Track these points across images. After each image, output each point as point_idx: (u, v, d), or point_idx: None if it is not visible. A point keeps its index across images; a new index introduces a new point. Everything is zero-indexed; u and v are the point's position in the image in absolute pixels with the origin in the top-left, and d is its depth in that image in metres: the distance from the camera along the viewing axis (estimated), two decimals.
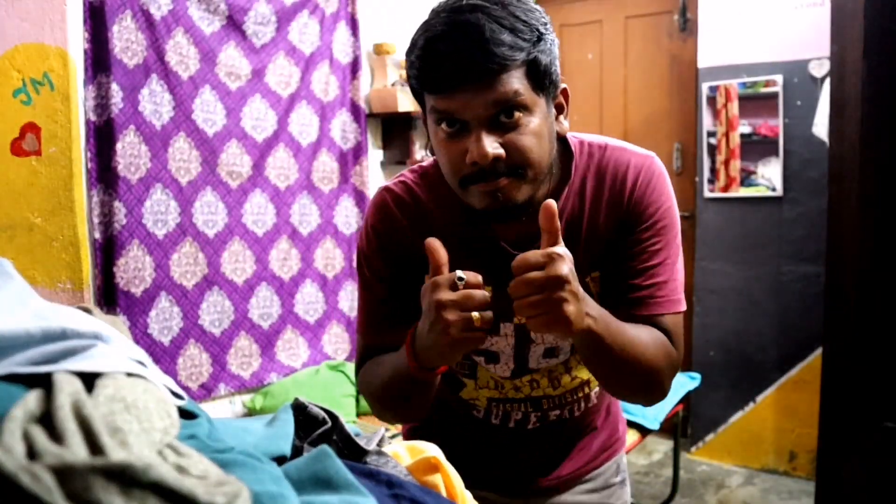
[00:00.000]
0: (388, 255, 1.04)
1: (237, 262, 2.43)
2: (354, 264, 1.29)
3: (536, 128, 0.90)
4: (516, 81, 0.87)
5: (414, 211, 1.03)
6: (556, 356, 1.06)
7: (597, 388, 1.14)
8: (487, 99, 0.86)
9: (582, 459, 1.18)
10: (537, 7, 0.92)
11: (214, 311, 2.37)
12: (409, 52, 0.93)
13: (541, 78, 0.91)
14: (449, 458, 0.75)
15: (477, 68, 0.85)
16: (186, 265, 2.29)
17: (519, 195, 0.90)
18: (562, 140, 1.01)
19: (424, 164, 1.08)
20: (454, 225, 1.01)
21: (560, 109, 0.98)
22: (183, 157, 2.26)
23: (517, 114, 0.88)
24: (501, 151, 0.87)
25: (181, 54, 2.23)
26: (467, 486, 0.76)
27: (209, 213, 2.35)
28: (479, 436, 1.14)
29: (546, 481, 1.16)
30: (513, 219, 0.95)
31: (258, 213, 2.50)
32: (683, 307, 1.02)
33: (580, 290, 0.84)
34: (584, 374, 1.10)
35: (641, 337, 0.96)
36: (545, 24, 0.92)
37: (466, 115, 0.87)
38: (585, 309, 0.85)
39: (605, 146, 1.04)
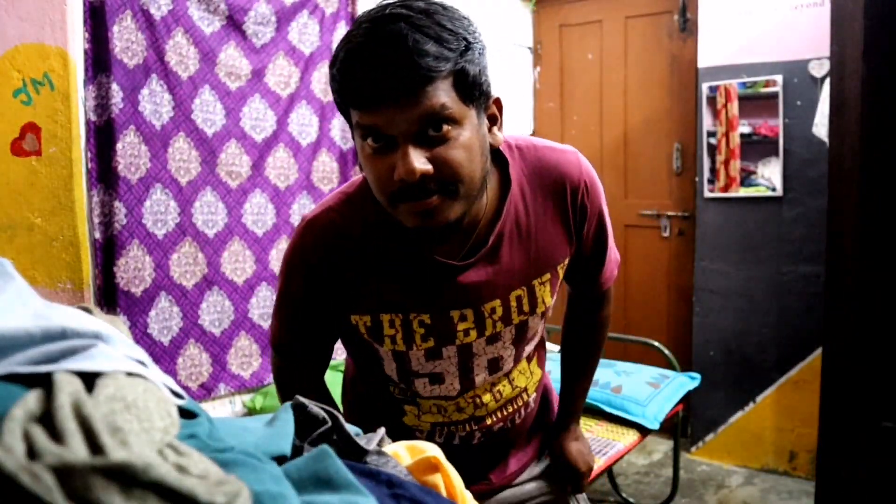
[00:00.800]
0: (311, 285, 1.02)
1: (237, 262, 2.44)
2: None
3: (466, 141, 0.86)
4: (443, 94, 0.83)
5: (338, 242, 0.99)
6: (500, 369, 1.08)
7: (535, 394, 1.18)
8: (413, 113, 0.82)
9: (528, 456, 1.24)
10: (465, 15, 0.90)
11: (214, 311, 2.37)
12: (331, 65, 0.88)
13: (469, 89, 0.88)
14: None
15: (401, 81, 0.80)
16: (186, 265, 2.29)
17: (451, 213, 0.87)
18: (495, 150, 0.98)
19: (345, 187, 1.04)
20: (387, 246, 0.98)
21: (493, 120, 0.96)
22: (182, 158, 2.26)
23: (445, 127, 0.84)
24: (430, 167, 0.83)
25: (181, 54, 2.23)
26: None
27: (209, 213, 2.35)
28: None
29: (497, 479, 1.20)
30: (446, 236, 0.94)
31: (258, 213, 2.50)
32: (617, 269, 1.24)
33: (580, 447, 1.23)
34: (523, 381, 1.13)
35: (593, 363, 1.27)
36: (473, 32, 0.89)
37: (392, 130, 0.83)
38: (584, 449, 1.24)
39: (533, 147, 1.06)
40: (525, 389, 1.14)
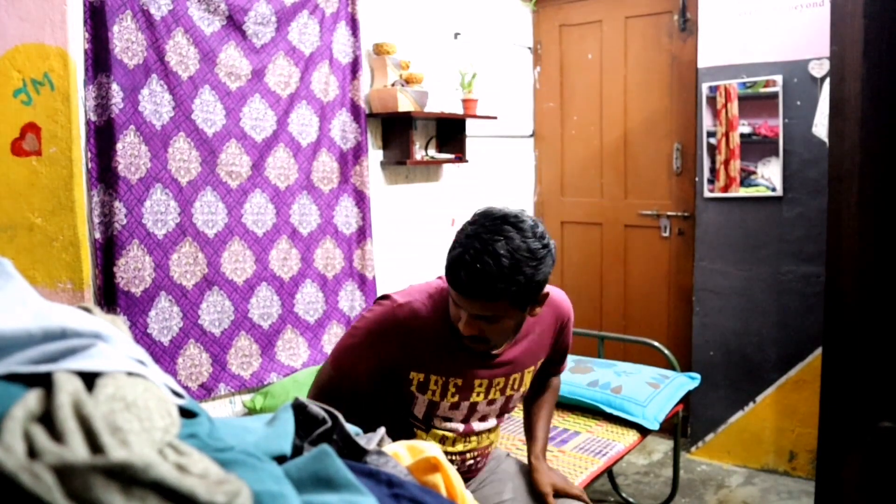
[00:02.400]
0: (375, 355, 1.48)
1: (237, 262, 2.43)
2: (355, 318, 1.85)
3: (505, 325, 1.38)
4: (500, 308, 1.33)
5: (418, 324, 1.46)
6: (487, 422, 1.61)
7: (499, 439, 1.77)
8: (475, 307, 1.32)
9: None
10: (540, 240, 1.32)
11: (214, 311, 2.37)
12: (451, 249, 1.36)
13: (521, 303, 1.35)
14: None
15: (473, 292, 1.30)
16: (186, 265, 2.29)
17: (485, 349, 1.45)
18: None
19: (430, 289, 1.51)
20: (446, 332, 1.46)
21: (537, 305, 1.42)
22: (183, 158, 2.26)
23: (495, 320, 1.35)
24: (476, 332, 1.37)
25: (181, 54, 2.23)
26: None
27: (209, 213, 2.35)
28: None
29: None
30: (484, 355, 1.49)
31: (258, 213, 2.50)
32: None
33: (555, 478, 1.66)
34: (494, 438, 1.68)
35: (550, 411, 1.78)
36: (539, 259, 1.31)
37: (468, 309, 1.34)
38: (551, 473, 1.67)
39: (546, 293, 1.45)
40: (491, 444, 1.68)
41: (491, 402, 1.57)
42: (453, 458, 1.58)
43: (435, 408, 1.53)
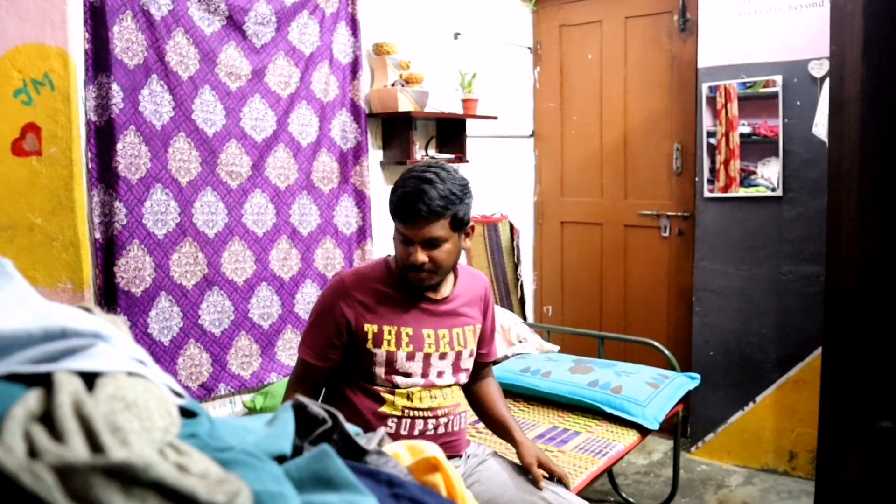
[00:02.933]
0: (339, 315, 1.68)
1: (237, 262, 2.44)
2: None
3: (448, 249, 1.65)
4: (440, 228, 1.61)
5: (365, 282, 1.71)
6: (443, 380, 1.74)
7: (464, 413, 1.82)
8: (423, 233, 1.60)
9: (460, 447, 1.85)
10: (462, 177, 1.67)
11: (214, 311, 2.37)
12: (391, 193, 1.65)
13: (457, 225, 1.64)
14: None
15: (420, 216, 1.58)
16: (186, 265, 2.29)
17: (432, 281, 1.69)
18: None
19: (376, 260, 1.80)
20: (396, 288, 1.71)
21: (467, 235, 1.73)
22: (183, 158, 2.26)
23: (438, 243, 1.63)
24: (427, 259, 1.62)
25: (181, 54, 2.23)
26: None
27: (209, 213, 2.35)
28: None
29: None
30: (430, 288, 1.72)
31: (258, 213, 2.50)
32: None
33: (535, 451, 1.78)
34: (457, 398, 1.79)
35: (507, 407, 1.92)
36: (466, 190, 1.65)
37: (412, 237, 1.62)
38: (535, 448, 1.79)
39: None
40: (458, 404, 1.79)
41: (443, 357, 1.74)
42: (426, 416, 1.72)
43: (393, 360, 1.69)
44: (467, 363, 1.81)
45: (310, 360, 1.70)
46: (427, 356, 1.72)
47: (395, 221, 1.64)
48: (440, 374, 1.75)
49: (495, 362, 2.02)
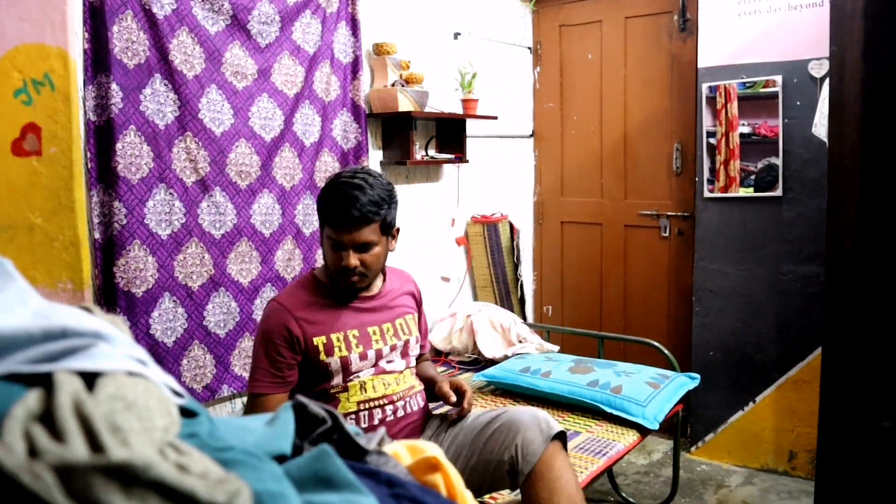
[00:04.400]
0: (285, 338, 1.73)
1: (243, 263, 2.43)
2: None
3: (377, 252, 1.74)
4: (371, 232, 1.69)
5: (299, 301, 1.78)
6: (394, 365, 1.85)
7: (419, 392, 1.90)
8: (355, 238, 1.68)
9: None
10: (388, 182, 1.76)
11: (220, 313, 2.37)
12: (320, 200, 1.74)
13: (386, 228, 1.74)
14: None
15: (353, 222, 1.66)
16: (192, 266, 2.29)
17: (363, 284, 1.78)
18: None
19: (300, 279, 1.86)
20: (331, 298, 1.80)
21: (394, 237, 1.82)
22: (190, 157, 2.26)
23: (369, 247, 1.72)
24: (358, 263, 1.71)
25: (186, 53, 2.23)
26: None
27: (217, 213, 2.34)
28: None
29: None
30: (360, 291, 1.81)
31: (266, 213, 2.49)
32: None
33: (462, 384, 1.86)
34: (410, 381, 1.88)
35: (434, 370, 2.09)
36: (392, 195, 1.75)
37: (344, 242, 1.69)
38: (449, 379, 1.89)
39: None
40: (413, 386, 1.87)
41: (393, 348, 1.84)
42: (382, 403, 1.78)
43: (348, 364, 1.76)
44: (415, 350, 1.93)
45: (270, 392, 1.72)
46: (378, 351, 1.81)
47: (325, 228, 1.72)
48: (389, 362, 1.84)
49: (435, 353, 2.32)
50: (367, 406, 1.77)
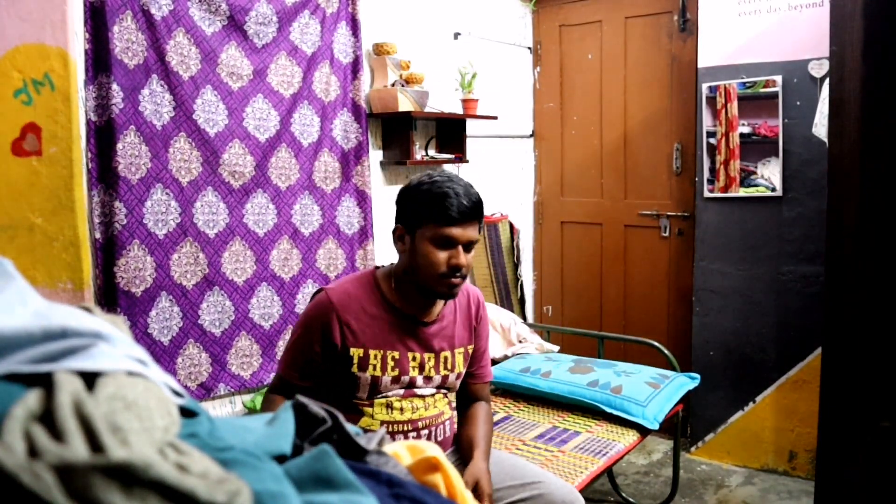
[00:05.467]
0: (324, 336, 1.63)
1: (238, 263, 2.43)
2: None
3: (472, 256, 1.65)
4: (476, 231, 1.63)
5: (349, 302, 1.65)
6: (428, 388, 1.72)
7: (449, 420, 1.78)
8: (469, 234, 1.61)
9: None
10: None
11: (215, 311, 2.37)
12: (416, 200, 1.62)
13: (480, 230, 1.67)
14: None
15: (471, 216, 1.60)
16: (187, 265, 2.29)
17: (459, 289, 1.66)
18: None
19: (357, 275, 1.74)
20: (382, 309, 1.67)
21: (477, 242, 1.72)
22: (184, 158, 2.26)
23: (472, 246, 1.64)
24: (465, 262, 1.61)
25: (182, 54, 2.23)
26: None
27: (210, 213, 2.35)
28: None
29: None
30: (426, 307, 1.70)
31: (259, 213, 2.50)
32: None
33: (485, 478, 1.64)
34: (442, 406, 1.76)
35: (487, 433, 1.78)
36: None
37: (459, 239, 1.60)
38: (479, 471, 1.64)
39: None
40: (442, 413, 1.75)
41: (428, 380, 1.72)
42: (406, 429, 1.68)
43: (378, 384, 1.66)
44: (454, 383, 1.79)
45: (291, 380, 1.65)
46: (412, 379, 1.69)
47: (426, 228, 1.60)
48: (421, 387, 1.72)
49: (483, 375, 1.89)
50: (391, 429, 1.68)
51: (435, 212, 1.58)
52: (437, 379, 1.72)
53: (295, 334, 1.67)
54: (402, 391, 1.68)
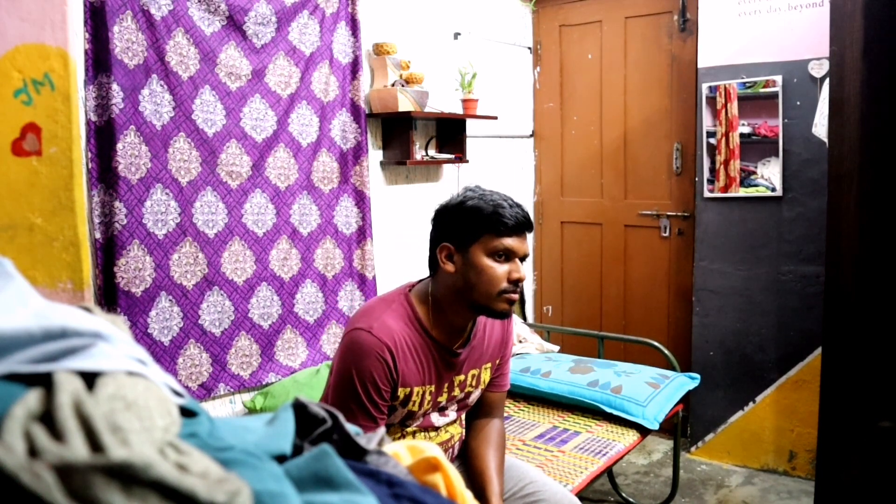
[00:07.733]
0: (386, 377, 1.50)
1: (237, 262, 2.43)
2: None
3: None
4: (528, 241, 1.58)
5: (405, 354, 1.54)
6: (447, 416, 1.69)
7: (458, 442, 1.76)
8: (525, 247, 1.55)
9: None
10: None
11: (214, 311, 2.37)
12: (468, 216, 1.53)
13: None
14: None
15: (525, 227, 1.55)
16: (186, 265, 2.29)
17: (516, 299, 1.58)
18: None
19: (390, 304, 1.58)
20: (423, 344, 1.56)
21: None
22: (183, 158, 2.26)
23: (525, 260, 1.56)
24: (523, 275, 1.54)
25: (181, 55, 2.23)
26: None
27: (209, 213, 2.35)
28: None
29: None
30: (459, 335, 1.62)
31: (258, 213, 2.49)
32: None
33: None
34: (456, 431, 1.75)
35: (500, 466, 1.69)
36: None
37: (519, 251, 1.54)
38: None
39: None
40: (452, 437, 1.74)
41: (451, 399, 1.66)
42: None
43: (414, 416, 1.60)
44: (474, 399, 1.74)
45: (374, 425, 1.51)
46: (437, 404, 1.64)
47: (492, 237, 1.51)
48: (442, 411, 1.68)
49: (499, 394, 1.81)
50: None
51: (491, 223, 1.50)
52: (460, 396, 1.67)
53: (350, 389, 1.49)
54: (421, 419, 1.64)
